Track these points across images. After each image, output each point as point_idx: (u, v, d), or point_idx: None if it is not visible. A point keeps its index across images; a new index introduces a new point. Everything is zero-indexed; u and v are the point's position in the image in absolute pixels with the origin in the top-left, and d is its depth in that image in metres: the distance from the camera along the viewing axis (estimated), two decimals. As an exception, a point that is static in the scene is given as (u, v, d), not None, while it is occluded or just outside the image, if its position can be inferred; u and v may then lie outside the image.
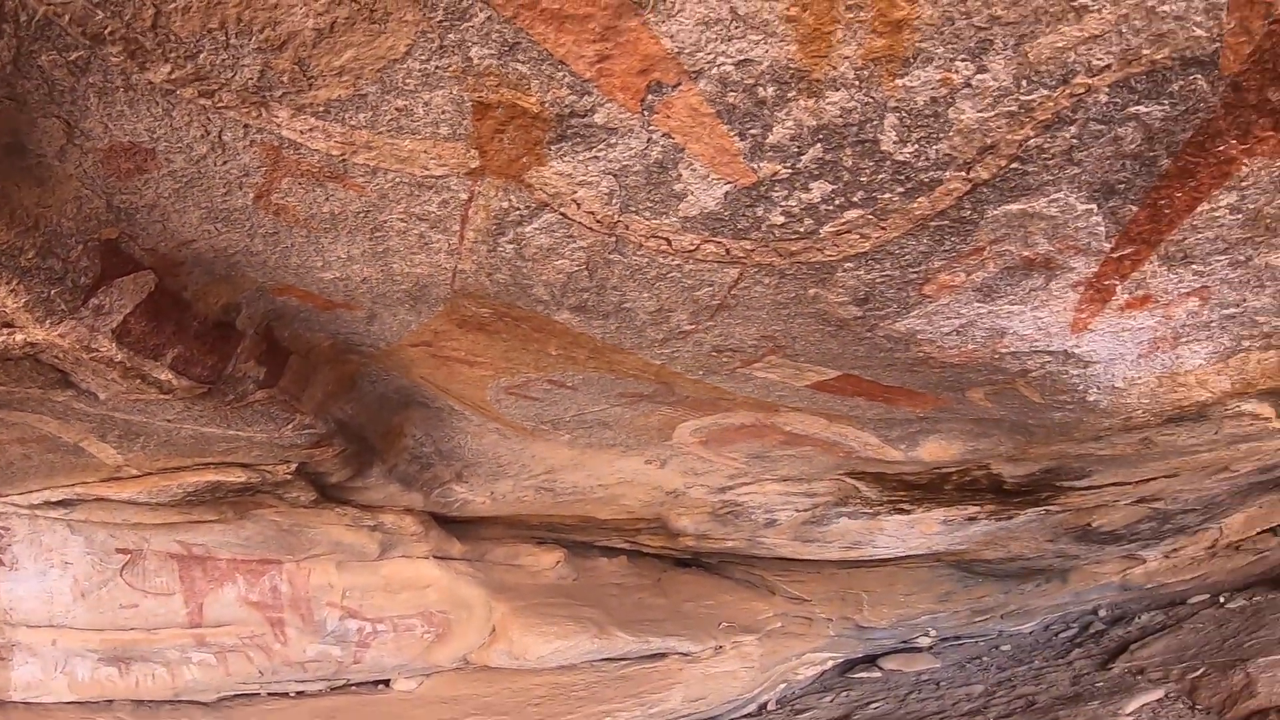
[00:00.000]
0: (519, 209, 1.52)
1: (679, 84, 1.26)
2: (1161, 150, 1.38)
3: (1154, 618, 5.68)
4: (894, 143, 1.36)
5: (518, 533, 4.69)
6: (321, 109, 1.36)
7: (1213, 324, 2.12)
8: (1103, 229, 1.57)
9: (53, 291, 1.66)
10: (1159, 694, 4.29)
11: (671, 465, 3.75)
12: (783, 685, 5.30)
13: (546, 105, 1.30)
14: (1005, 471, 3.64)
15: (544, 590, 4.60)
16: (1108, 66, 1.22)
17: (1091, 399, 2.40)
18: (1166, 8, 1.14)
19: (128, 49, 1.27)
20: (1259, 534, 5.93)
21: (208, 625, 3.87)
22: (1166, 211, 1.57)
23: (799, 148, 1.37)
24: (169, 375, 2.01)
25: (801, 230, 1.53)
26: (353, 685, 4.49)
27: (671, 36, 1.19)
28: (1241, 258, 1.78)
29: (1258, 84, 1.27)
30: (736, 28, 1.18)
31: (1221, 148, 1.41)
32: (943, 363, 2.05)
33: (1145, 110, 1.28)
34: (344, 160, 1.46)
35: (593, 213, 1.50)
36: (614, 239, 1.57)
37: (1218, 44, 1.18)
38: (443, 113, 1.34)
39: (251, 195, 1.58)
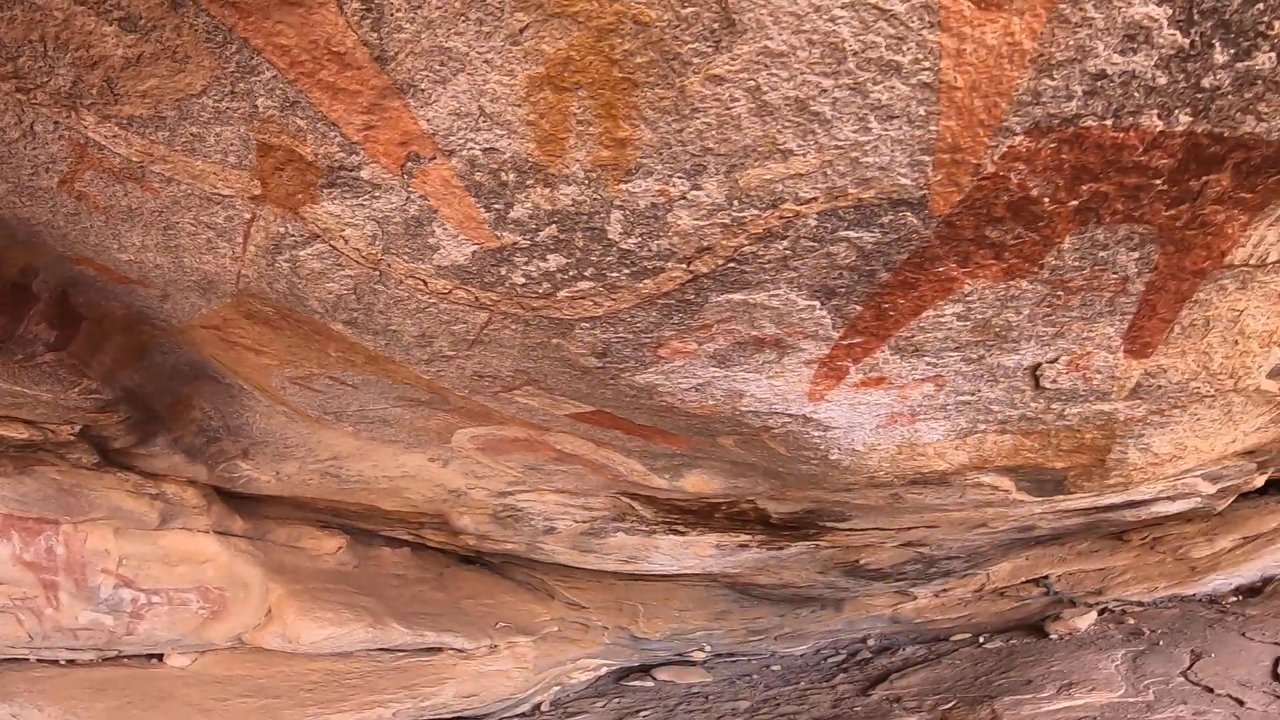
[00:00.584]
0: (294, 235, 1.78)
1: (434, 158, 1.56)
2: (879, 265, 1.73)
3: (917, 651, 6.29)
4: (620, 233, 1.70)
5: (303, 514, 4.79)
6: (125, 121, 1.58)
7: (949, 407, 2.56)
8: (828, 321, 1.94)
9: None
10: (914, 724, 4.87)
11: (453, 466, 4.00)
12: (556, 688, 5.64)
13: (320, 156, 1.58)
14: (770, 508, 4.11)
15: (324, 575, 4.73)
16: (814, 199, 1.52)
17: (834, 458, 2.82)
18: (870, 160, 1.43)
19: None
20: (1023, 583, 6.81)
21: None
22: (891, 314, 1.93)
23: (537, 225, 1.70)
24: (-45, 329, 2.11)
25: (540, 291, 1.87)
26: (125, 657, 4.44)
27: (428, 120, 1.49)
28: (974, 356, 2.20)
29: (972, 224, 1.61)
30: (484, 122, 1.48)
31: (941, 269, 1.75)
32: (686, 412, 2.43)
33: (856, 235, 1.62)
34: (142, 166, 1.68)
35: (358, 249, 1.78)
36: (378, 272, 1.85)
37: (925, 192, 1.49)
38: (231, 145, 1.59)
39: (56, 180, 1.76)
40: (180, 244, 1.92)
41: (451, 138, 1.51)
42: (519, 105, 1.41)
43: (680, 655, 6.37)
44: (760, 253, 1.63)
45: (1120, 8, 1.15)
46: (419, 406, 3.10)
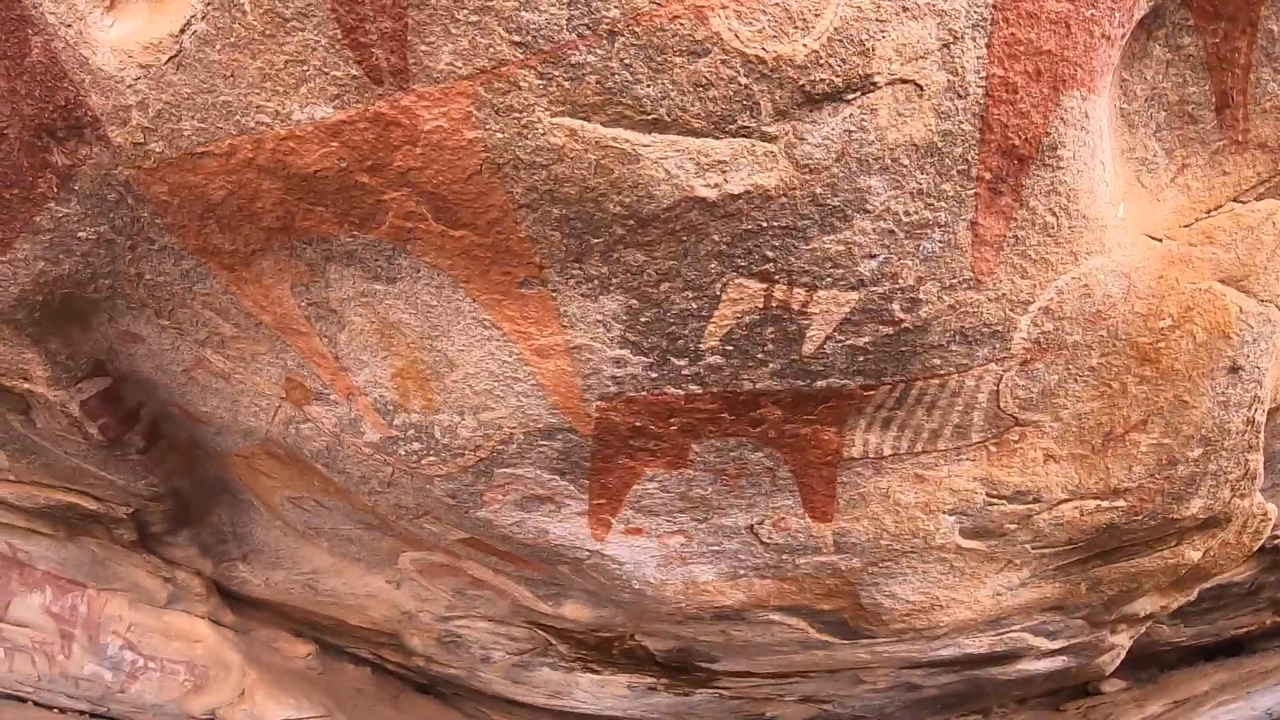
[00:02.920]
0: (297, 418, 3.93)
1: (361, 395, 3.76)
2: (578, 458, 3.70)
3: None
4: (443, 434, 3.86)
5: (281, 622, 6.90)
6: (224, 356, 3.83)
7: (705, 554, 4.50)
8: (572, 488, 3.97)
9: (62, 374, 3.94)
10: None
11: (404, 589, 6.07)
12: None
13: (311, 387, 3.79)
14: (649, 645, 6.02)
15: (293, 673, 6.78)
16: (515, 428, 3.53)
17: (638, 588, 4.79)
18: (531, 412, 3.45)
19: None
20: None
21: (9, 621, 5.80)
22: (609, 486, 3.97)
23: (405, 428, 3.86)
24: (94, 431, 4.33)
25: (411, 459, 3.88)
26: (111, 717, 6.40)
27: (358, 381, 3.70)
28: (700, 517, 4.21)
29: (615, 439, 3.57)
30: (379, 386, 3.69)
31: (620, 461, 3.81)
32: (521, 542, 4.50)
33: (548, 444, 3.61)
34: (227, 373, 3.90)
35: (328, 429, 3.94)
36: (338, 440, 4.00)
37: (568, 424, 3.52)
38: (273, 376, 3.81)
39: (181, 369, 3.98)
40: (239, 410, 4.08)
41: (368, 390, 3.66)
42: (389, 381, 3.60)
43: None
44: (498, 453, 3.68)
45: (611, 357, 3.21)
46: (372, 530, 5.23)
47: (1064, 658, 6.93)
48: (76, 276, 3.32)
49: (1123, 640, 7.00)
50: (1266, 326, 3.71)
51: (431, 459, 3.80)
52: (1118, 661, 7.61)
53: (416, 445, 3.77)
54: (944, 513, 4.23)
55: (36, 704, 6.16)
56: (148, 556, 6.07)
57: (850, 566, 4.52)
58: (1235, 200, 3.50)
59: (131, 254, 3.18)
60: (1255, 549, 6.02)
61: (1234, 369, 3.79)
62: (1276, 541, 8.22)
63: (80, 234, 3.11)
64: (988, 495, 4.18)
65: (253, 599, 6.57)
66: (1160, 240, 3.46)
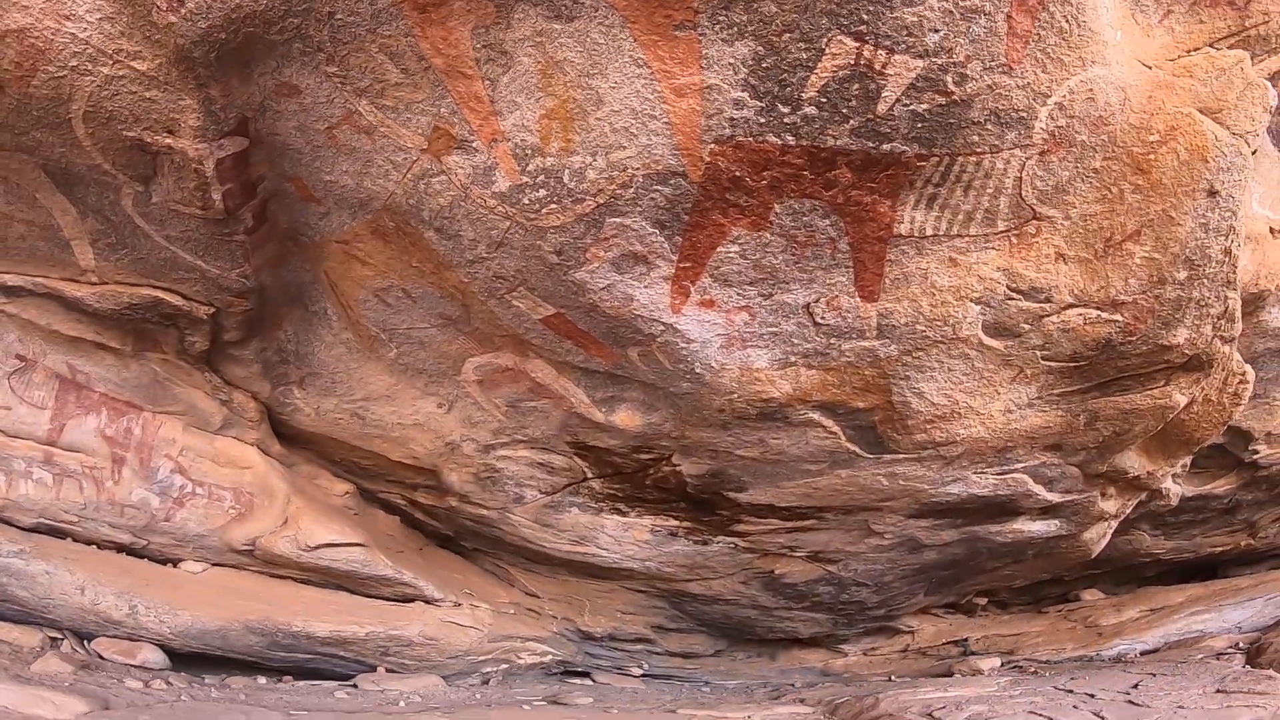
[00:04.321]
0: (432, 170, 5.05)
1: (505, 141, 4.91)
2: (680, 210, 4.88)
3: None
4: (571, 178, 5.03)
5: (322, 461, 7.98)
6: (380, 106, 4.95)
7: (763, 336, 5.71)
8: (666, 246, 5.12)
9: (211, 126, 4.87)
10: (807, 710, 7.70)
11: (455, 410, 7.19)
12: (505, 665, 8.58)
13: (458, 134, 4.93)
14: (684, 468, 7.17)
15: (333, 506, 7.88)
16: (638, 168, 4.70)
17: (699, 371, 5.93)
18: (655, 151, 4.75)
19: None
20: (945, 644, 9.89)
21: (61, 446, 6.48)
22: (699, 245, 5.11)
23: (537, 175, 5.02)
24: (218, 197, 5.30)
25: (535, 208, 5.03)
26: (148, 557, 7.31)
27: (505, 125, 4.86)
28: (766, 292, 5.41)
29: (716, 189, 4.75)
30: (524, 130, 4.87)
31: (713, 216, 4.94)
32: (604, 313, 5.67)
33: (660, 188, 4.78)
34: (373, 126, 4.99)
35: (460, 180, 5.05)
36: (464, 194, 5.15)
37: (683, 167, 4.64)
38: (421, 125, 4.95)
39: (325, 127, 5.05)
40: (369, 171, 5.10)
41: (511, 135, 4.82)
42: (535, 123, 4.75)
43: (620, 670, 9.32)
44: (614, 201, 4.83)
45: (733, 98, 4.41)
46: (448, 327, 6.35)
47: (1057, 521, 8.29)
48: (269, 13, 4.26)
49: (1110, 507, 8.36)
50: (1239, 158, 5.01)
51: (553, 206, 4.95)
52: (1104, 541, 9.00)
53: (543, 192, 4.91)
54: (971, 300, 5.50)
55: (76, 540, 6.98)
56: (209, 374, 7.05)
57: (888, 354, 5.79)
58: (1210, 45, 4.93)
59: (333, -9, 4.28)
60: (1235, 414, 7.45)
61: (1212, 192, 5.08)
62: (1256, 457, 9.81)
63: (294, -35, 4.18)
64: (1008, 288, 5.46)
65: (300, 433, 7.64)
66: (1150, 68, 4.80)
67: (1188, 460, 8.38)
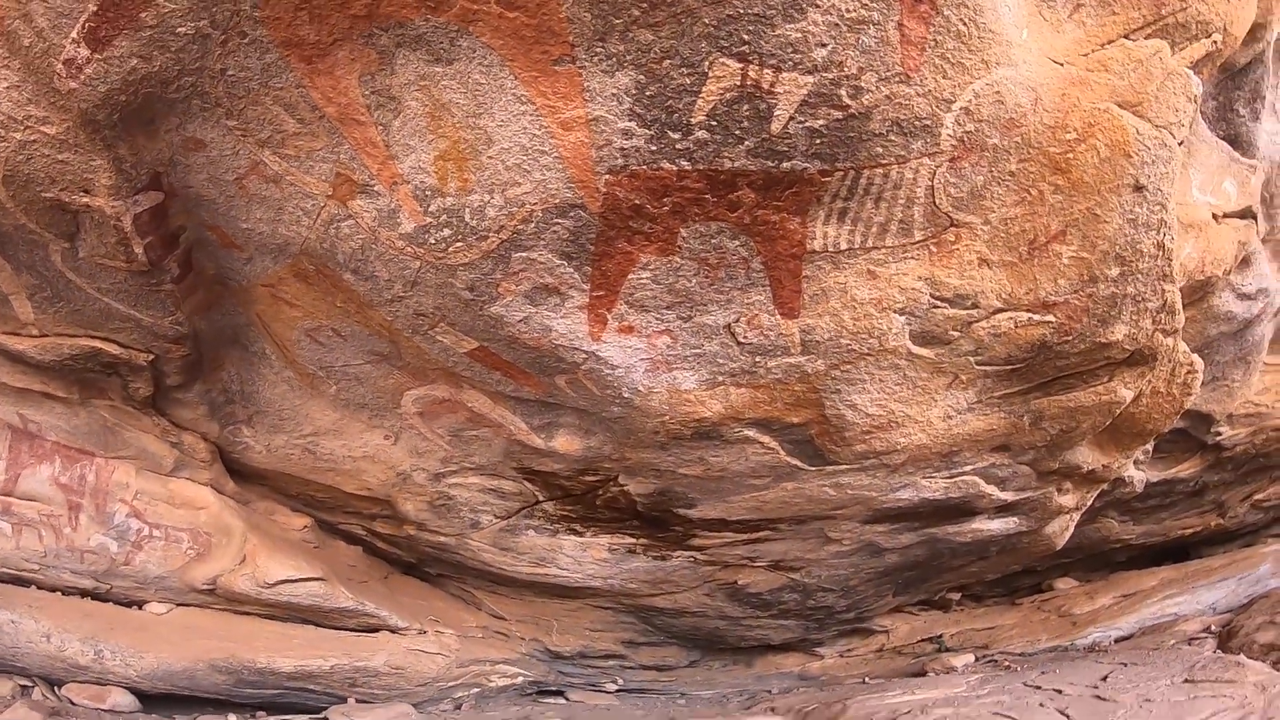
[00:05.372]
0: (339, 216, 5.04)
1: (405, 184, 4.88)
2: (585, 240, 4.81)
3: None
4: (471, 216, 4.99)
5: (277, 496, 7.96)
6: (282, 156, 4.92)
7: (687, 358, 5.65)
8: (576, 276, 5.06)
9: (124, 184, 4.89)
10: (779, 718, 7.67)
11: (402, 441, 7.16)
12: (476, 689, 8.55)
13: (359, 179, 4.90)
14: (632, 488, 7.13)
15: (291, 541, 7.85)
16: (536, 202, 4.64)
17: (626, 395, 5.88)
18: (551, 186, 4.56)
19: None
20: (919, 641, 9.84)
21: (18, 495, 6.48)
22: (609, 274, 5.06)
23: (438, 214, 4.99)
24: (140, 250, 5.31)
25: (441, 246, 5.02)
26: (112, 600, 7.27)
27: (403, 169, 4.83)
28: (684, 315, 5.34)
29: (618, 218, 4.68)
30: (421, 172, 4.84)
31: (619, 245, 4.89)
32: (525, 344, 5.64)
33: (562, 221, 4.72)
34: (279, 175, 4.99)
35: (367, 224, 5.06)
36: (374, 237, 5.12)
37: (581, 199, 4.59)
38: (324, 172, 4.93)
39: (233, 178, 5.03)
40: (282, 218, 5.09)
41: (410, 176, 4.79)
42: (431, 165, 4.71)
43: (594, 687, 9.28)
44: (518, 235, 4.78)
45: (621, 128, 4.38)
46: (381, 363, 6.33)
47: (1015, 518, 8.22)
48: (164, 74, 4.28)
49: (1069, 501, 8.28)
50: (1164, 151, 4.92)
51: (459, 245, 4.92)
52: (1067, 534, 8.91)
53: (447, 231, 4.87)
54: (895, 311, 5.41)
55: (40, 587, 7.02)
56: (157, 419, 7.05)
57: (815, 370, 5.71)
58: (1126, 37, 4.81)
59: (222, 49, 4.21)
60: (1186, 404, 7.36)
61: (1138, 187, 4.99)
62: (1219, 439, 9.74)
63: (180, 29, 4.08)
64: (932, 296, 5.36)
65: (253, 469, 7.62)
66: (1062, 65, 4.66)
67: (1148, 448, 8.32)
